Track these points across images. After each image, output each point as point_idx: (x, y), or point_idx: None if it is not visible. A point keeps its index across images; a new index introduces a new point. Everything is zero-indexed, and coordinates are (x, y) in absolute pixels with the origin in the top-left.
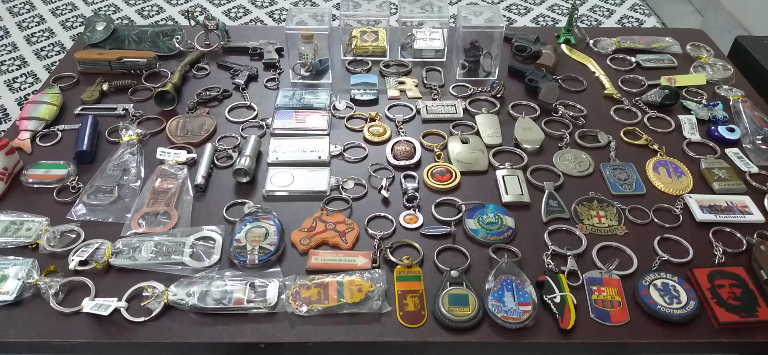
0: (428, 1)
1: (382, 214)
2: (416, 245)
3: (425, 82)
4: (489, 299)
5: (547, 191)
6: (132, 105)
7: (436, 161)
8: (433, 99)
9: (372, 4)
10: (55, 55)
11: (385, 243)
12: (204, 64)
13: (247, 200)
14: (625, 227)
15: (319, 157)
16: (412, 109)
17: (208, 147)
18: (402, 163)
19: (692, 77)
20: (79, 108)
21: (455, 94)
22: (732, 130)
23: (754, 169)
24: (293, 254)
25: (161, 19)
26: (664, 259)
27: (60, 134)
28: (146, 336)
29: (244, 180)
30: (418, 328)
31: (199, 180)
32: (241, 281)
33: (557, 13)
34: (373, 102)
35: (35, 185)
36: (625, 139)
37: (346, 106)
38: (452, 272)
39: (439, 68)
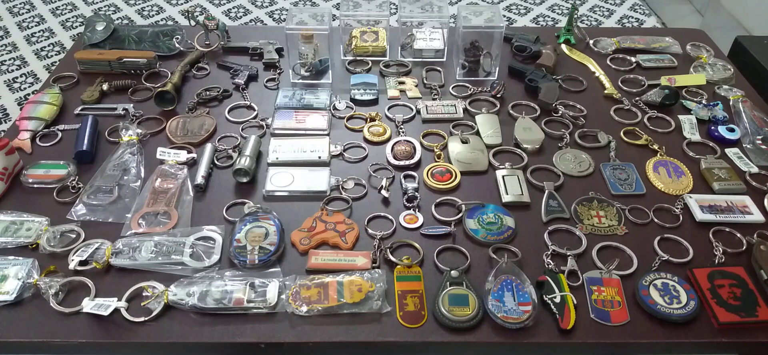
0: (428, 1)
1: (382, 214)
2: (416, 245)
3: (425, 82)
4: (489, 299)
5: (547, 191)
6: (132, 105)
7: (436, 161)
8: (433, 99)
9: (372, 4)
10: (55, 55)
11: (385, 243)
12: (204, 64)
13: (247, 200)
14: (625, 227)
15: (319, 157)
16: (412, 109)
17: (208, 147)
18: (402, 163)
19: (692, 77)
20: (79, 108)
21: (455, 94)
22: (732, 130)
23: (754, 170)
24: (293, 254)
25: (161, 19)
26: (664, 259)
27: (60, 134)
28: (146, 336)
29: (244, 180)
30: (418, 328)
31: (199, 180)
32: (241, 281)
33: (557, 13)
34: (373, 102)
35: (35, 185)
36: (625, 139)
37: (346, 106)
38: (452, 272)
39: (439, 68)
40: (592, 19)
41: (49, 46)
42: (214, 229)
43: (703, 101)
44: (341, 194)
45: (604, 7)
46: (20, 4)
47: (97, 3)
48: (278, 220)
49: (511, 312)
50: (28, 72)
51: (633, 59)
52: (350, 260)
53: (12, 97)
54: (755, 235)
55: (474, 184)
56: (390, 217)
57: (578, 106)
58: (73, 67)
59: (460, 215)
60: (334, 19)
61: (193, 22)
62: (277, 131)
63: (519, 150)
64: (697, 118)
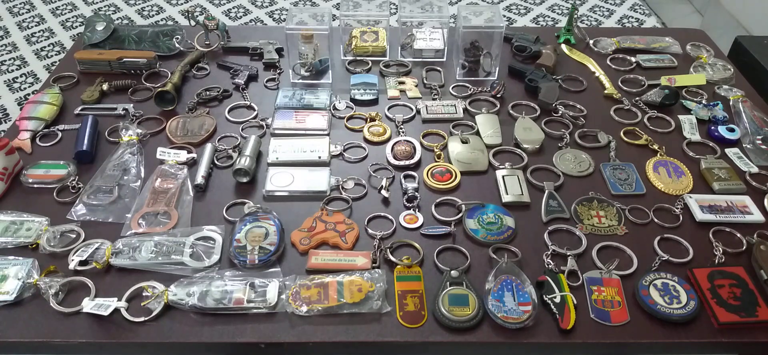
0: (428, 1)
1: (382, 214)
2: (416, 245)
3: (425, 82)
4: (489, 299)
5: (547, 191)
6: (132, 105)
7: (436, 161)
8: (433, 99)
9: (372, 4)
10: (55, 55)
11: (385, 243)
12: (204, 64)
13: (247, 200)
14: (625, 227)
15: (319, 157)
16: (412, 109)
17: (208, 147)
18: (402, 163)
19: (692, 77)
20: (79, 108)
21: (455, 94)
22: (732, 130)
23: (754, 169)
24: (293, 254)
25: (161, 19)
26: (664, 259)
27: (60, 134)
28: (146, 336)
29: (244, 180)
30: (418, 328)
31: (199, 180)
32: (241, 281)
33: (557, 13)
34: (373, 102)
35: (35, 185)
36: (625, 139)
37: (346, 106)
38: (452, 272)
39: (439, 68)
40: (592, 19)
41: (49, 46)
42: (214, 229)
43: (703, 101)
44: (341, 194)
45: (604, 7)
46: (20, 4)
47: (97, 3)
48: (278, 220)
49: (511, 312)
50: (28, 72)
51: (633, 59)
52: (350, 260)
53: (12, 97)
54: (755, 235)
55: (474, 184)
56: (390, 217)
57: (578, 106)
58: (73, 67)
59: (460, 215)
60: (334, 19)
61: (193, 22)
62: (277, 131)
63: (519, 150)
64: (697, 118)
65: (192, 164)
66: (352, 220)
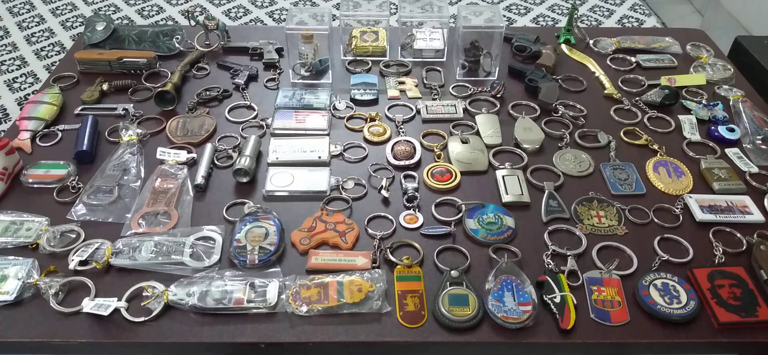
0: (428, 1)
1: (382, 214)
2: (416, 245)
3: (425, 82)
4: (489, 299)
5: (547, 191)
6: (132, 105)
7: (436, 161)
8: (433, 99)
9: (372, 4)
10: (55, 55)
11: (385, 243)
12: (204, 64)
13: (247, 200)
14: (625, 227)
15: (319, 157)
16: (412, 109)
17: (208, 147)
18: (402, 163)
19: (692, 77)
20: (79, 108)
21: (455, 94)
22: (732, 130)
23: (754, 169)
24: (293, 254)
25: (161, 19)
26: (664, 259)
27: (60, 134)
28: (146, 336)
29: (244, 180)
30: (418, 328)
31: (199, 180)
32: (241, 281)
33: (557, 13)
34: (373, 102)
35: (35, 185)
36: (625, 139)
37: (346, 106)
38: (452, 272)
39: (439, 68)
40: (592, 19)
41: (49, 46)
42: (214, 229)
43: (703, 101)
44: (341, 194)
45: (604, 7)
46: (20, 4)
47: (97, 3)
48: (278, 220)
49: (511, 312)
50: (28, 72)
51: (633, 59)
52: (350, 260)
53: (12, 97)
54: (755, 235)
55: (474, 184)
56: (390, 217)
57: (578, 106)
58: (73, 67)
59: (460, 215)
60: (334, 19)
61: (193, 22)
62: (277, 131)
63: (519, 150)
64: (697, 118)
65: (192, 164)
66: (352, 220)
